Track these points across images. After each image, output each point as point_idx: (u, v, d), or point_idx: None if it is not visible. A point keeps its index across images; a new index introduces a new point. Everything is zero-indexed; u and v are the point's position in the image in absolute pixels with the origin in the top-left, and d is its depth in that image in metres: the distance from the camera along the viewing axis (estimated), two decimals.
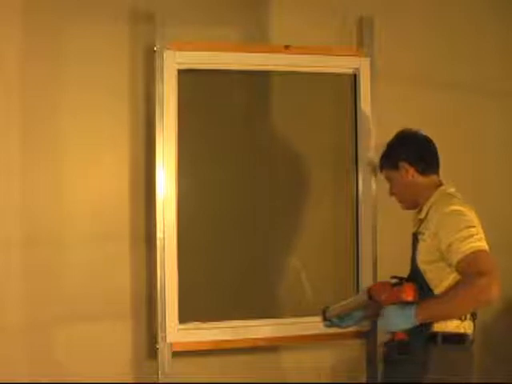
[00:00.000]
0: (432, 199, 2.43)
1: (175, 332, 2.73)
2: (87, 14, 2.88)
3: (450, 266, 2.29)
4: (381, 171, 2.61)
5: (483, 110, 3.37)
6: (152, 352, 2.88)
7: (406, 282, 2.37)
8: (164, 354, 2.72)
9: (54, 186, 2.90)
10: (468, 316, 2.36)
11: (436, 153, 2.55)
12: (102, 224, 2.90)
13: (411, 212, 2.56)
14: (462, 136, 3.33)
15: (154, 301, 2.77)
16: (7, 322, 2.83)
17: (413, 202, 2.52)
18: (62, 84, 2.89)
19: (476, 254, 2.22)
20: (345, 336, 2.95)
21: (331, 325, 2.69)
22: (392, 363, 2.43)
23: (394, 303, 2.31)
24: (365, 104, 2.95)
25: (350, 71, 2.97)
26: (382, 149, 2.60)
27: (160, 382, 2.72)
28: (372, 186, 2.99)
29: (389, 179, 2.57)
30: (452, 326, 2.34)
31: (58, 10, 2.87)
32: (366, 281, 2.93)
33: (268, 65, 2.91)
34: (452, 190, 2.47)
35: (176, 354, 2.75)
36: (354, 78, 2.97)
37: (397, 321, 2.29)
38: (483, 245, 2.25)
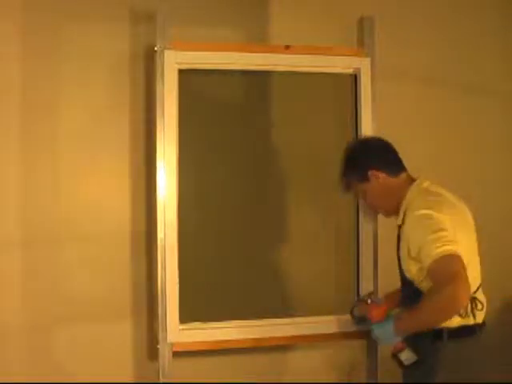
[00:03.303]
0: (407, 197, 2.42)
1: (176, 332, 2.73)
2: (88, 14, 2.89)
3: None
4: (348, 189, 2.59)
5: (484, 110, 3.39)
6: (153, 352, 2.89)
7: (370, 302, 2.55)
8: (165, 354, 2.71)
9: (54, 186, 2.90)
10: (468, 310, 2.33)
11: (396, 151, 2.54)
12: (103, 224, 2.91)
13: None
14: (463, 136, 3.34)
15: (155, 301, 2.77)
16: (7, 323, 2.83)
17: (392, 206, 2.50)
18: (61, 83, 2.89)
19: (442, 260, 2.18)
20: (345, 336, 2.95)
21: (361, 322, 2.74)
22: (406, 368, 2.43)
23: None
24: (365, 104, 2.95)
25: (351, 71, 2.97)
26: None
27: (161, 382, 2.72)
28: None
29: (360, 192, 2.56)
30: (456, 321, 2.33)
31: (58, 9, 2.87)
32: (366, 280, 2.93)
33: (268, 65, 2.90)
34: (426, 184, 2.45)
35: (177, 355, 2.75)
36: (355, 78, 2.97)
37: (382, 337, 2.37)
38: (450, 248, 2.19)
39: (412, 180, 2.49)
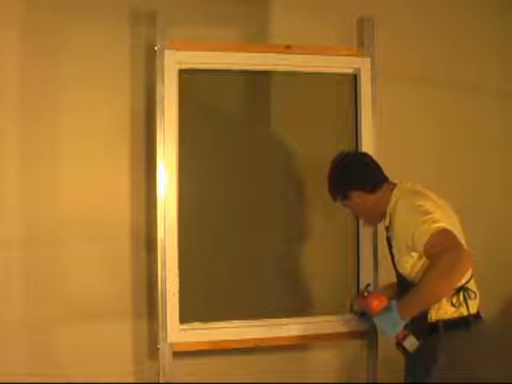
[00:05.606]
0: (392, 201, 2.49)
1: (176, 332, 2.73)
2: (88, 14, 2.89)
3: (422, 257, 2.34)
4: (334, 201, 2.69)
5: (483, 110, 3.38)
6: (153, 352, 2.89)
7: (370, 294, 2.55)
8: (165, 354, 2.71)
9: (54, 186, 2.90)
10: (461, 299, 2.36)
11: (376, 165, 2.63)
12: (103, 224, 2.90)
13: None
14: (462, 136, 3.34)
15: (155, 301, 2.77)
16: (7, 322, 2.83)
17: (377, 216, 2.61)
18: (62, 83, 2.89)
19: (436, 235, 2.24)
20: (345, 336, 2.95)
21: (362, 317, 2.79)
22: (409, 359, 2.45)
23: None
24: (365, 104, 2.95)
25: (351, 71, 2.97)
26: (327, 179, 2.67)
27: (161, 382, 2.72)
28: None
29: (346, 206, 2.67)
30: (450, 312, 2.36)
31: (58, 9, 2.87)
32: (366, 280, 2.92)
33: (268, 65, 2.90)
34: (408, 185, 2.53)
35: (177, 354, 2.75)
36: (355, 78, 2.97)
37: (387, 327, 2.34)
38: (440, 225, 2.26)
39: (393, 186, 2.56)
